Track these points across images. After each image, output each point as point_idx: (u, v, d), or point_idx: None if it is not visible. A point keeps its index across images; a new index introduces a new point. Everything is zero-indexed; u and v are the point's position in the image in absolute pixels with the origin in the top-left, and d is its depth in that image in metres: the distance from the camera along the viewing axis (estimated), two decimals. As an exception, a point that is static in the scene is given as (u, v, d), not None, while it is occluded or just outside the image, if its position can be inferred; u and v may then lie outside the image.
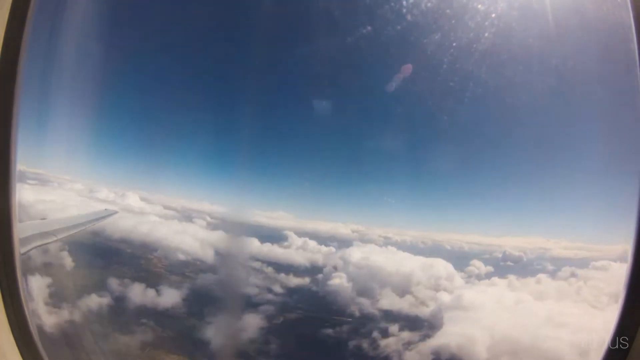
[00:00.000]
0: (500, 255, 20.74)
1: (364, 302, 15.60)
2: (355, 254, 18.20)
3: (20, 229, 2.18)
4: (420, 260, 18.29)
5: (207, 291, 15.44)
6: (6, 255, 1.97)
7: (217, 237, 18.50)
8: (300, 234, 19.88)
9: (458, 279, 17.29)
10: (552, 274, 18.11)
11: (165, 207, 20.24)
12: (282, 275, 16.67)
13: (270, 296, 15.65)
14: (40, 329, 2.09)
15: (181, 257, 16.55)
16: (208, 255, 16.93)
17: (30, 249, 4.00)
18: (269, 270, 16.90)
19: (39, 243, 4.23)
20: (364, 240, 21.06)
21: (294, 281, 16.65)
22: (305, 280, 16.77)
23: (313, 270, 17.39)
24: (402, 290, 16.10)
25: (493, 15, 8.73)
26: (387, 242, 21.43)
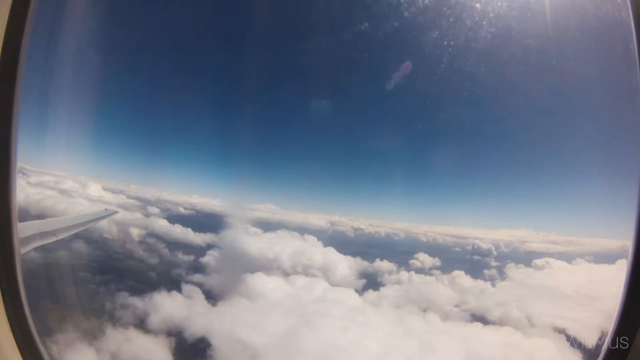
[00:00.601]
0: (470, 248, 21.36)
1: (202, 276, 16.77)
2: (240, 239, 19.53)
3: (21, 229, 2.18)
4: (321, 250, 19.19)
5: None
6: (6, 255, 1.96)
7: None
8: (271, 224, 21.57)
9: (340, 272, 18.04)
10: (481, 270, 18.81)
11: (129, 197, 21.30)
12: (167, 252, 18.02)
13: (138, 266, 16.80)
14: (40, 329, 2.09)
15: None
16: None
17: (31, 249, 3.99)
18: (161, 246, 18.29)
19: (39, 243, 4.22)
20: (333, 229, 22.70)
21: (178, 257, 18.03)
22: (189, 257, 18.14)
23: (202, 250, 18.79)
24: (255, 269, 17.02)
25: (492, 15, 8.73)
26: (355, 232, 22.74)
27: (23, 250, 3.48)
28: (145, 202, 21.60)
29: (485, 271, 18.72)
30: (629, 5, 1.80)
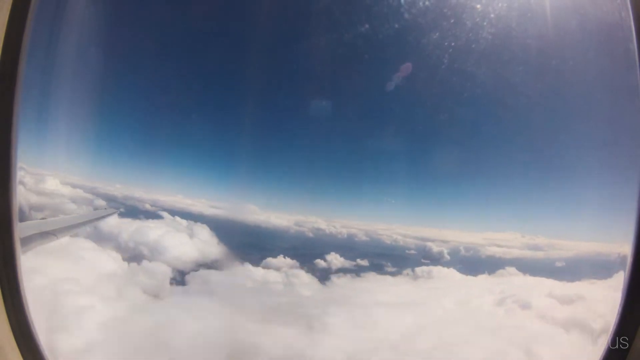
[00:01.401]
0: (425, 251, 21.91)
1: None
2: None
3: (21, 229, 2.18)
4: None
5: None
6: (6, 255, 1.97)
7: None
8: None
9: (178, 256, 18.69)
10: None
11: (86, 192, 22.10)
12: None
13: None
14: (41, 329, 2.09)
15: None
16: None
17: (31, 249, 3.99)
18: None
19: (39, 243, 4.22)
20: (294, 229, 23.34)
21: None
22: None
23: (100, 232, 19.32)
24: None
25: (492, 15, 8.73)
26: (316, 232, 23.40)
27: (23, 250, 3.48)
28: (98, 197, 22.60)
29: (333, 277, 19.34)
30: (629, 5, 1.80)
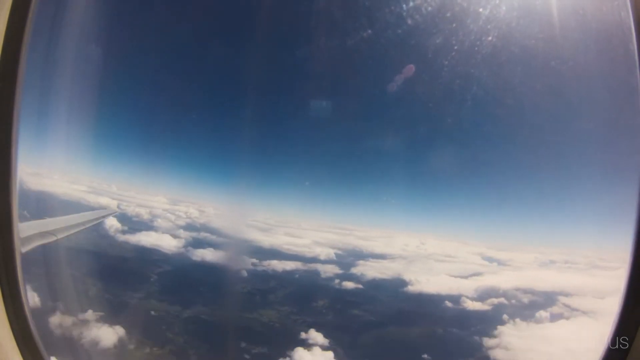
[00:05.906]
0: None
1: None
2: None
3: (21, 229, 2.18)
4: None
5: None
6: (6, 255, 1.96)
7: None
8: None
9: None
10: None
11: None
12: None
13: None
14: (41, 329, 2.09)
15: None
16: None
17: (31, 249, 4.00)
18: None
19: (39, 243, 4.23)
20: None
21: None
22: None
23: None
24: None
25: (493, 16, 8.72)
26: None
27: (23, 250, 3.48)
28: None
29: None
30: (628, 5, 1.80)
